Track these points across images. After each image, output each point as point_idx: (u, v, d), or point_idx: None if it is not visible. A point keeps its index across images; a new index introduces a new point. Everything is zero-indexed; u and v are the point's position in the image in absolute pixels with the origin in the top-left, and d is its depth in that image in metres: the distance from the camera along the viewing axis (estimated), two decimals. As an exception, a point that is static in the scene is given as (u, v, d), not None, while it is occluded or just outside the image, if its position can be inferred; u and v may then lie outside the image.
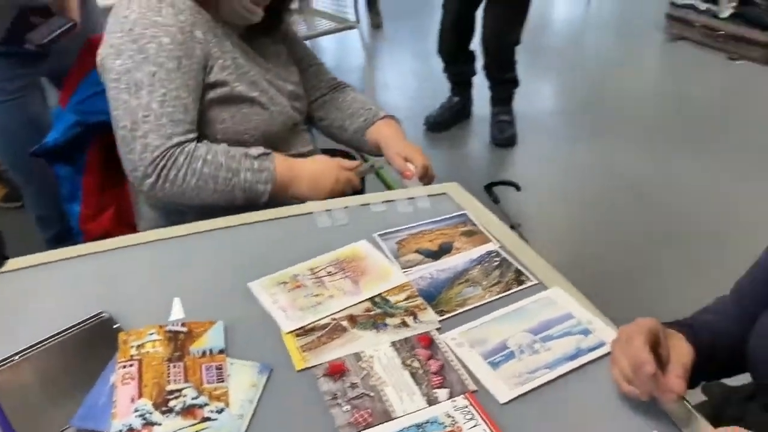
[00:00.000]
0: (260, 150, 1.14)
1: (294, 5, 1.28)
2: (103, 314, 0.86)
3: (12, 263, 0.97)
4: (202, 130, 1.16)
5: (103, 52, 1.13)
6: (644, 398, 0.69)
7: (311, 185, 1.14)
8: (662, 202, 2.46)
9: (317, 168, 1.15)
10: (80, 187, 1.44)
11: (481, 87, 3.04)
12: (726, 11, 3.92)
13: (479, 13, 2.82)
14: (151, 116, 1.07)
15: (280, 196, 1.13)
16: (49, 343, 0.83)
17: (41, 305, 0.89)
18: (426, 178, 1.19)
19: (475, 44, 2.95)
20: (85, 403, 0.73)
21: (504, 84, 2.93)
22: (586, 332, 0.82)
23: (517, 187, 1.45)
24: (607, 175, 2.65)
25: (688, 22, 4.10)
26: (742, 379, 1.06)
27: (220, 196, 1.10)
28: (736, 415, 0.87)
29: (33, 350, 0.82)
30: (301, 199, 1.13)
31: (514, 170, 2.72)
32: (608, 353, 0.78)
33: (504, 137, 2.89)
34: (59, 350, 0.83)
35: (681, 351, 0.71)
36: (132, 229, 1.43)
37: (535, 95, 3.38)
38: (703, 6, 4.04)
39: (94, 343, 0.83)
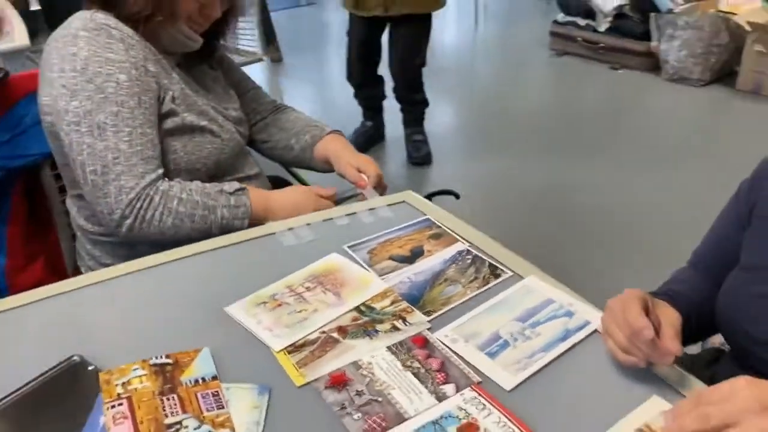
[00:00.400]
0: (235, 186, 1.11)
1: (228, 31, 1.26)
2: (74, 357, 0.80)
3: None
4: None
5: (53, 93, 1.05)
6: (642, 365, 0.72)
7: (291, 216, 1.11)
8: (574, 202, 2.60)
9: (295, 199, 1.14)
10: (4, 237, 1.35)
11: (392, 109, 3.10)
12: (603, 25, 4.22)
13: (385, 38, 2.89)
14: (121, 157, 1.02)
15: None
16: (17, 395, 0.76)
17: (3, 356, 0.82)
18: (380, 187, 1.19)
19: (383, 68, 3.01)
20: (78, 450, 0.67)
21: (414, 105, 3.01)
22: (569, 314, 0.85)
23: (457, 196, 1.49)
24: (521, 182, 2.77)
25: (570, 38, 4.38)
26: (696, 349, 1.13)
27: (198, 234, 1.06)
28: (706, 377, 0.92)
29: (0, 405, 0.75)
30: None
31: (435, 186, 2.78)
32: (595, 330, 0.81)
33: (420, 155, 2.96)
34: (30, 402, 0.76)
35: (669, 315, 0.75)
36: (65, 277, 1.34)
37: (440, 115, 3.49)
38: (583, 22, 4.33)
39: (69, 389, 0.77)
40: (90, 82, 1.02)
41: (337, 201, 1.19)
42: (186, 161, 1.13)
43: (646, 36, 3.96)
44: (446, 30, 5.22)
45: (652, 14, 3.88)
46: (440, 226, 1.06)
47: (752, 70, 3.56)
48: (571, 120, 3.41)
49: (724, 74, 3.75)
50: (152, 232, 1.05)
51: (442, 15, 5.00)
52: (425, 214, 1.09)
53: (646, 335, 0.69)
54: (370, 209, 1.10)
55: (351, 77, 3.06)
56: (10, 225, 1.34)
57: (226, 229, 1.08)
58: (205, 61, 1.24)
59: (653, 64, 3.95)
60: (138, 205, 1.03)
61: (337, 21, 5.37)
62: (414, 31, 2.81)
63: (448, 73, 4.13)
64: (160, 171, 1.06)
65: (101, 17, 1.06)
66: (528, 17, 5.39)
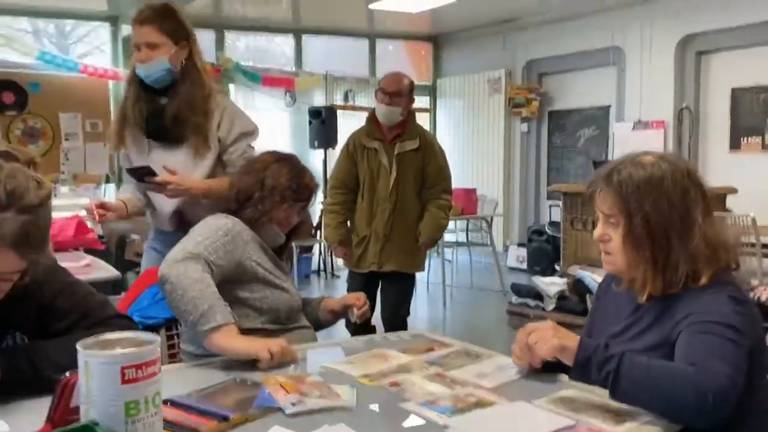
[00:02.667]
0: (228, 311, 1.68)
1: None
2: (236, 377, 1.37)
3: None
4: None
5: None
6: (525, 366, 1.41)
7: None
8: None
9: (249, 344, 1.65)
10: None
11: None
12: (550, 305, 5.12)
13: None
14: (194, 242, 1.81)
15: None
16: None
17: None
18: (364, 308, 1.96)
19: (375, 318, 3.72)
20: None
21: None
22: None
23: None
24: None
25: (524, 315, 5.24)
26: None
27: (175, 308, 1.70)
28: None
29: None
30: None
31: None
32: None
33: None
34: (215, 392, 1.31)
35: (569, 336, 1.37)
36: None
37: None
38: (533, 303, 5.24)
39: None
40: (204, 223, 1.85)
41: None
42: (268, 305, 1.84)
43: (585, 312, 4.84)
44: (418, 309, 6.06)
45: (588, 295, 4.81)
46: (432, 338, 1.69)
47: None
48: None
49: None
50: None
51: (417, 299, 5.90)
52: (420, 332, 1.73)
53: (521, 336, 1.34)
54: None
55: (348, 326, 3.74)
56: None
57: (196, 323, 1.63)
58: (280, 255, 2.02)
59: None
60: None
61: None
62: (401, 287, 3.60)
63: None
64: (205, 266, 1.71)
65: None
66: (488, 301, 6.33)
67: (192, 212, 2.25)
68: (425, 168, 3.51)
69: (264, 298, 1.87)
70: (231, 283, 1.81)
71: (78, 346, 1.04)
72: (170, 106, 2.22)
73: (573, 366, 1.34)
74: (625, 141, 6.72)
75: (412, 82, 3.56)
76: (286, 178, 1.97)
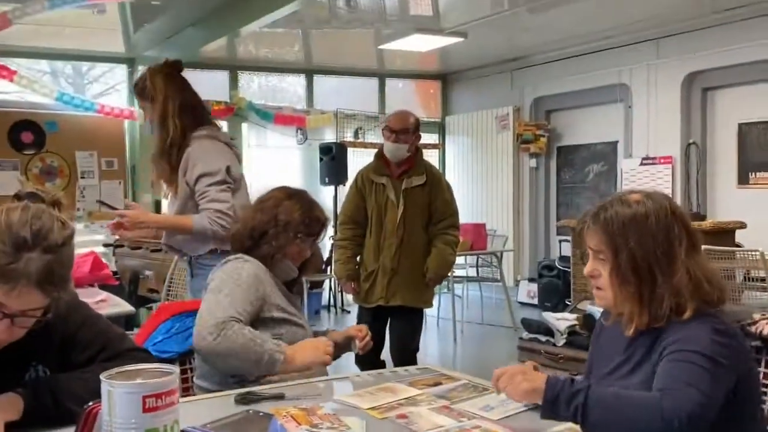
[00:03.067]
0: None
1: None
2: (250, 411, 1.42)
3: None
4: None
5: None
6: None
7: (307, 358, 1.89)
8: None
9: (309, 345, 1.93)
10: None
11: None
12: (561, 341, 5.12)
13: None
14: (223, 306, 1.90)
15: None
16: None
17: None
18: (366, 339, 2.04)
19: (385, 353, 3.75)
20: None
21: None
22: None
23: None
24: None
25: (535, 351, 5.23)
26: None
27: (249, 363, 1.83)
28: None
29: None
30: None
31: None
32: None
33: None
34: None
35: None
36: None
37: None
38: (544, 338, 5.23)
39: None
40: (226, 274, 1.92)
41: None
42: (286, 341, 1.89)
43: (595, 348, 4.82)
44: (429, 344, 6.08)
45: (598, 331, 4.81)
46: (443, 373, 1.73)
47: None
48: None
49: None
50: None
51: (427, 334, 5.92)
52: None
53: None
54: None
55: (357, 363, 3.76)
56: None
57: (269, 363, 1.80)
58: (291, 288, 2.09)
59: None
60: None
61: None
62: (409, 322, 3.63)
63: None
64: (238, 319, 1.84)
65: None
66: (498, 337, 6.32)
67: (174, 241, 2.72)
68: (432, 203, 3.57)
69: (279, 335, 1.93)
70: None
71: (102, 377, 1.09)
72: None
73: (543, 405, 1.37)
74: (634, 176, 6.78)
75: (417, 120, 3.66)
76: (298, 213, 2.05)
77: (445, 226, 3.60)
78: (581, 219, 1.57)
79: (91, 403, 1.14)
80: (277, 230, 2.01)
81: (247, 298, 1.89)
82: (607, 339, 1.62)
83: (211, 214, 2.46)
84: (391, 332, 3.67)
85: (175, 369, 1.14)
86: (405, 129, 3.54)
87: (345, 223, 3.71)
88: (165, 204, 3.07)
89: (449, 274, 6.58)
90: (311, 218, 2.07)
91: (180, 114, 2.59)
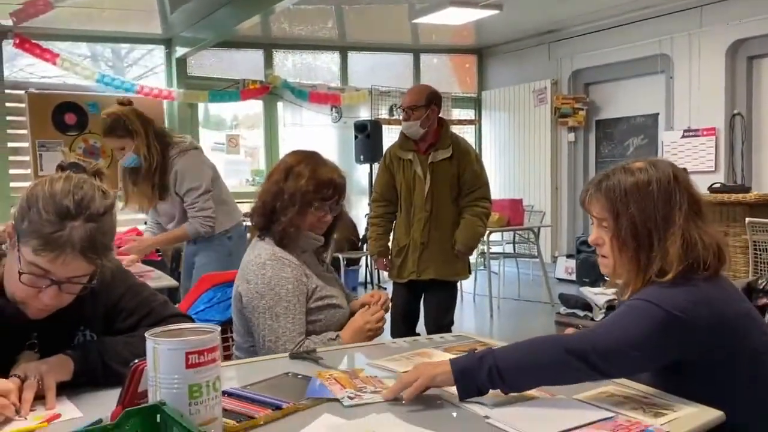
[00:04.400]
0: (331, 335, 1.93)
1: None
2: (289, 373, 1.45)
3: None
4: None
5: (249, 294, 1.90)
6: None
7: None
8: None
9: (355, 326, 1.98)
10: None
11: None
12: (599, 315, 5.07)
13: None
14: (288, 333, 1.87)
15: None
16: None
17: None
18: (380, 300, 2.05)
19: (420, 327, 3.77)
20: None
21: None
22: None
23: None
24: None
25: (572, 325, 5.20)
26: None
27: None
28: None
29: None
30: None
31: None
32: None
33: None
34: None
35: None
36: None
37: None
38: (582, 313, 5.20)
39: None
40: (272, 290, 1.86)
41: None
42: (320, 327, 1.94)
43: (634, 322, 4.77)
44: (465, 319, 6.09)
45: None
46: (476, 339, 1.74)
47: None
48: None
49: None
50: None
51: (463, 310, 5.92)
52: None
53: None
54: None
55: (393, 335, 3.79)
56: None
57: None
58: (319, 257, 2.10)
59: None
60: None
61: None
62: (442, 296, 3.64)
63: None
64: (303, 336, 1.87)
65: (278, 250, 1.92)
66: (535, 312, 6.30)
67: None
68: (461, 175, 3.55)
69: (317, 321, 1.95)
70: None
71: (147, 335, 1.13)
72: None
73: (456, 384, 1.35)
74: (675, 149, 6.63)
75: (432, 93, 3.59)
76: (305, 180, 1.91)
77: (474, 198, 3.58)
78: (585, 188, 1.58)
79: (137, 360, 1.19)
80: (284, 203, 1.91)
81: (301, 310, 1.90)
82: None
83: (202, 221, 3.21)
84: (425, 306, 3.69)
85: (216, 327, 1.18)
86: (413, 105, 3.51)
87: (377, 201, 3.74)
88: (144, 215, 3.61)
89: (485, 250, 6.59)
90: (319, 182, 1.92)
91: (156, 139, 3.13)
